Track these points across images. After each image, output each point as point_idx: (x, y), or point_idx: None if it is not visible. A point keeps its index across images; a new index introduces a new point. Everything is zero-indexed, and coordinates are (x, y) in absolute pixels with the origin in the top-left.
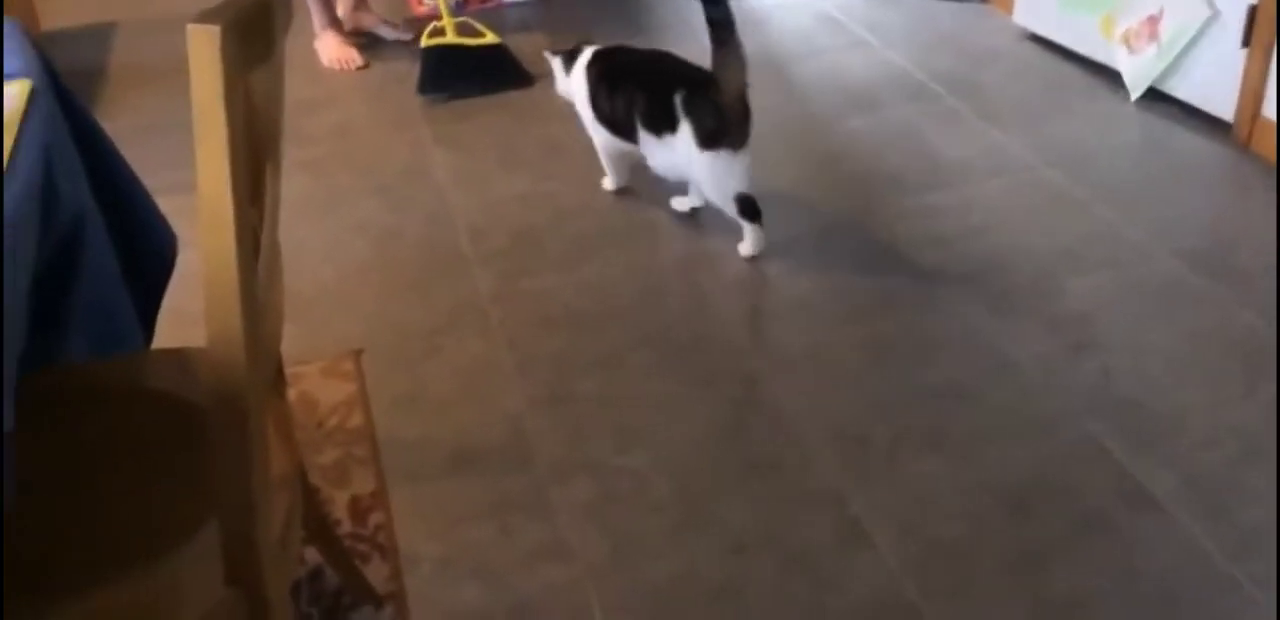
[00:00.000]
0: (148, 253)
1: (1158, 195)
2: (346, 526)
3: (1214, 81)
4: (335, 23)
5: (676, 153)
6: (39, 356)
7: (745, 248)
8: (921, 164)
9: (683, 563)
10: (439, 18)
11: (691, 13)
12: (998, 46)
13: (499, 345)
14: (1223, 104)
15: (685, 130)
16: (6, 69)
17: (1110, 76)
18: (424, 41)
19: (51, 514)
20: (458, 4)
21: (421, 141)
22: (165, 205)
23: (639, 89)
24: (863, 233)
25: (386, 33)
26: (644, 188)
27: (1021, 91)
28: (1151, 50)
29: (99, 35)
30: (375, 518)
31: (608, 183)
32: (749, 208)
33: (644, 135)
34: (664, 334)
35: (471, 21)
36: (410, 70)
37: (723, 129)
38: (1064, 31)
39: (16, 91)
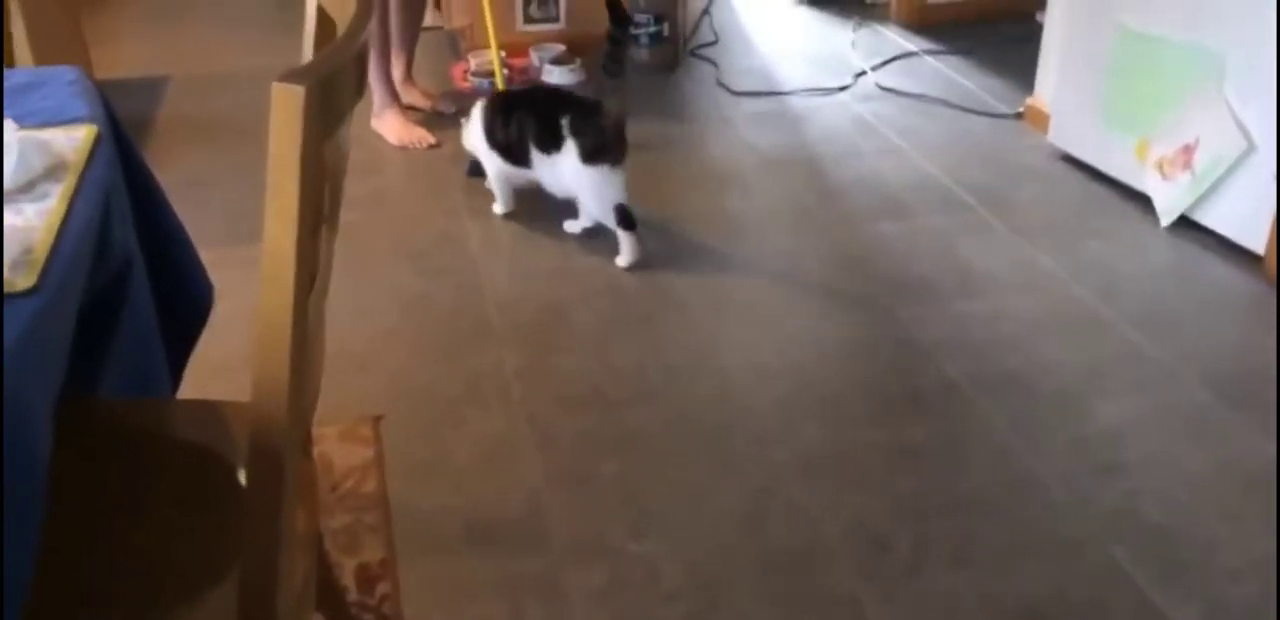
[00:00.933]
0: (185, 301)
1: (1186, 322)
2: (353, 594)
3: (1246, 213)
4: (396, 101)
5: (561, 169)
6: (75, 391)
7: (622, 259)
8: (950, 272)
9: None
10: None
11: (724, 103)
12: (1030, 163)
13: (520, 420)
14: (1254, 236)
15: (570, 148)
16: (74, 114)
17: (1142, 200)
18: None
19: (63, 553)
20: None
21: (456, 211)
22: (203, 257)
23: (531, 116)
24: (892, 336)
25: (430, 106)
26: (672, 273)
27: (1053, 209)
28: (1185, 179)
29: (151, 87)
30: (382, 587)
31: (497, 207)
32: (625, 218)
33: (536, 156)
34: (688, 420)
35: None
36: (451, 140)
37: (604, 146)
38: (1097, 154)
39: (83, 136)
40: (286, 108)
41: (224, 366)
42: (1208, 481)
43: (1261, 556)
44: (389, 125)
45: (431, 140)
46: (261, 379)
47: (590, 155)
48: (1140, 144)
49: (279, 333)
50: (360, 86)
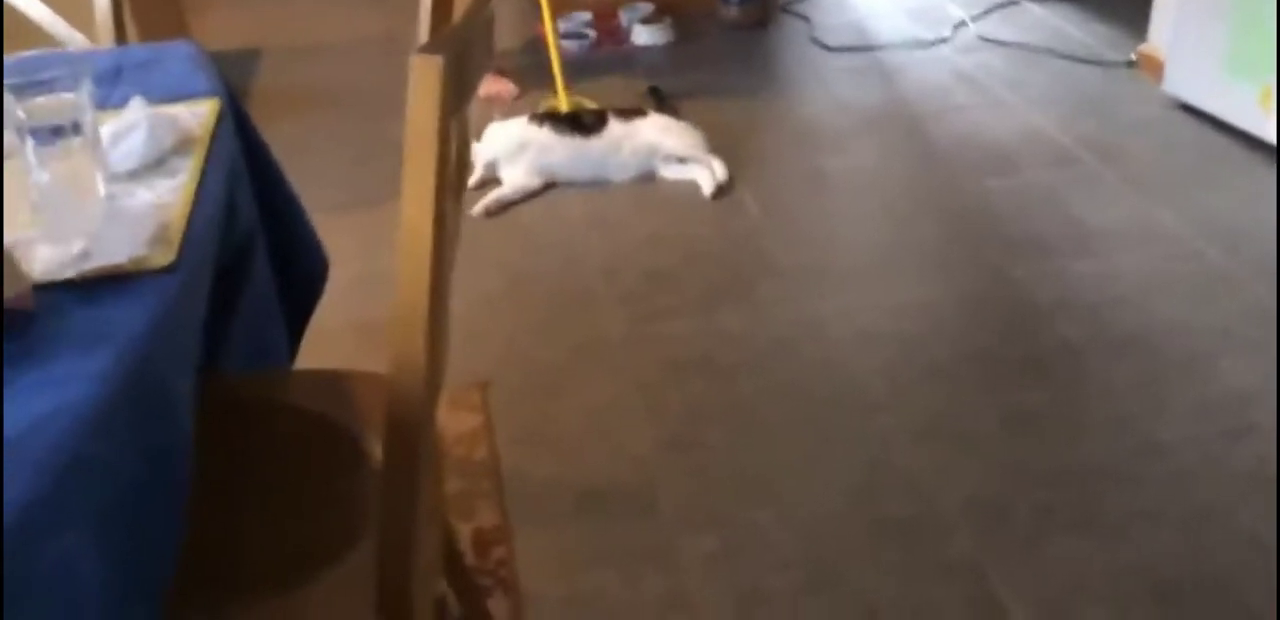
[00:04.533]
0: (302, 272)
1: None
2: (469, 559)
3: None
4: None
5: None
6: (202, 365)
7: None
8: (1064, 229)
9: None
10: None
11: (818, 60)
12: (1145, 114)
13: (628, 387)
14: None
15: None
16: (196, 88)
17: (1265, 150)
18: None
19: (196, 523)
20: (590, 45)
21: (558, 183)
22: None
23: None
24: (1003, 296)
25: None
26: (774, 238)
27: (1171, 161)
28: None
29: (245, 60)
30: (497, 552)
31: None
32: None
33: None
34: (796, 387)
35: (583, 99)
36: (532, 97)
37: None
38: (1218, 102)
39: (206, 111)
40: (425, 78)
41: (332, 334)
42: None
43: None
44: None
45: (515, 92)
46: (399, 352)
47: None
48: (1264, 91)
49: (417, 306)
50: (489, 57)
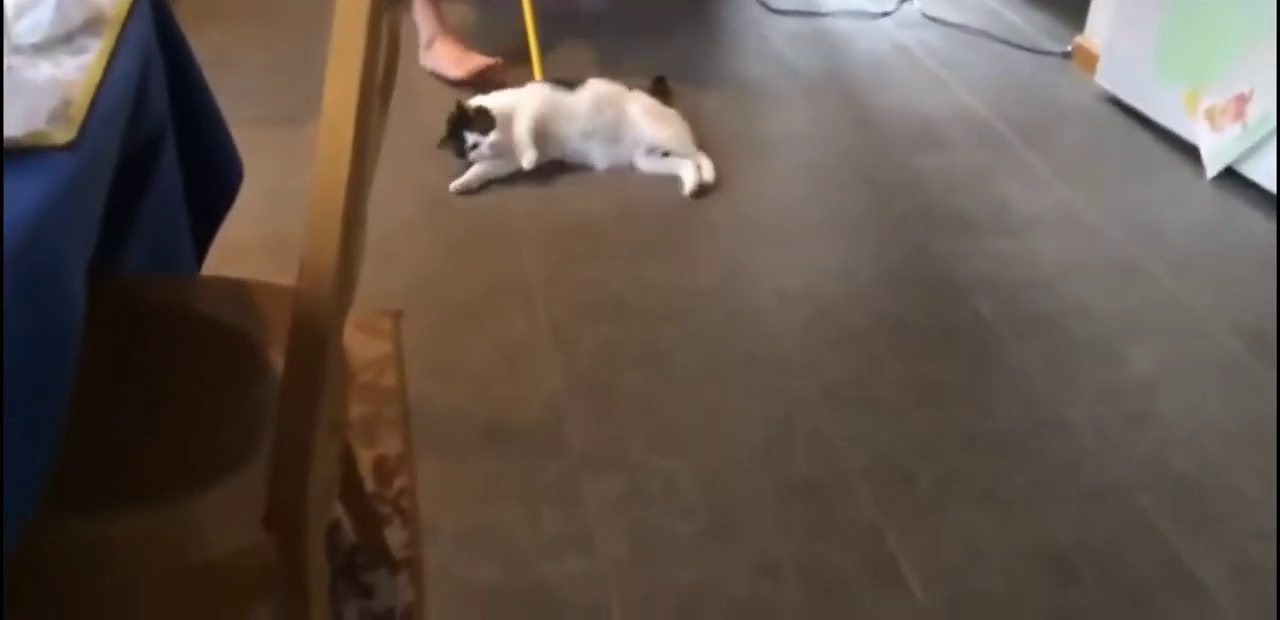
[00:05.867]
0: (214, 177)
1: (1225, 275)
2: (369, 485)
3: None
4: (444, 28)
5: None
6: (99, 265)
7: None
8: (988, 209)
9: (707, 573)
10: None
11: (763, 22)
12: (1075, 104)
13: (543, 327)
14: None
15: None
16: None
17: (1188, 151)
18: None
19: (86, 428)
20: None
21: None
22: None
23: None
24: (924, 269)
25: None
26: (706, 194)
27: (1096, 152)
28: (1235, 130)
29: None
30: (399, 481)
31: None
32: None
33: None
34: (714, 341)
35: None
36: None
37: None
38: (1145, 99)
39: None
40: None
41: (240, 247)
42: (1239, 437)
43: None
44: (444, 57)
45: (491, 61)
46: (310, 259)
47: None
48: (1190, 94)
49: (331, 210)
50: None
